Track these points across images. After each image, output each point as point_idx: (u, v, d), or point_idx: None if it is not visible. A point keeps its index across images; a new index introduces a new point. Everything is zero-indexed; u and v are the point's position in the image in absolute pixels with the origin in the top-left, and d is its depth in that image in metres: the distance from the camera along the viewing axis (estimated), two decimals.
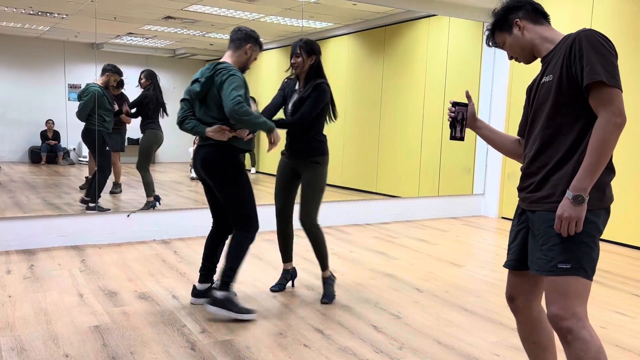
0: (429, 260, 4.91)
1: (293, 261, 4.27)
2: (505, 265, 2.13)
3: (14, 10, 7.50)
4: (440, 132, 7.41)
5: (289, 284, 4.00)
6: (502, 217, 7.15)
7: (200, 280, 3.55)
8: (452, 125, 2.24)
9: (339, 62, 8.59)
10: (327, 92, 3.57)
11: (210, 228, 3.58)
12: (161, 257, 4.64)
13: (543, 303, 2.25)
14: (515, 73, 6.84)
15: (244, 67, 3.42)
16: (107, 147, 5.81)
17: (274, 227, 4.76)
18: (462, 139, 2.25)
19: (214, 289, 3.37)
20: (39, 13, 7.68)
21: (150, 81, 6.23)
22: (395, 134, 8.02)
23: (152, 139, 6.12)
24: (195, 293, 3.54)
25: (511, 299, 2.14)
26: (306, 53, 3.56)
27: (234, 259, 3.30)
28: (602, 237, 5.71)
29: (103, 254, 4.71)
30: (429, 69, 7.56)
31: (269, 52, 9.04)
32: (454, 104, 2.23)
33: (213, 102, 3.27)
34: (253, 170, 9.58)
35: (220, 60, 3.34)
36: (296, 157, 3.66)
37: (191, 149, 9.28)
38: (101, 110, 5.76)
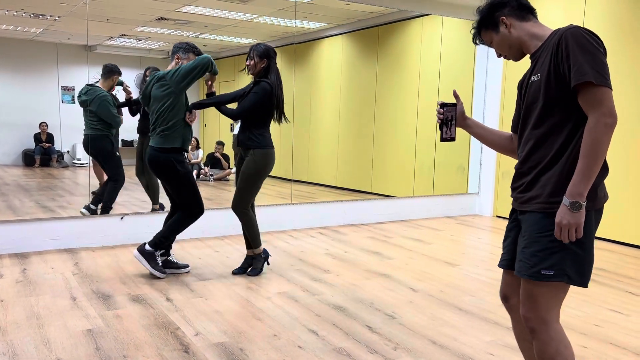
0: (423, 259, 4.91)
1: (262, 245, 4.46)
2: (499, 265, 2.13)
3: (6, 12, 7.46)
4: (435, 131, 7.41)
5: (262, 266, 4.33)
6: (497, 216, 7.15)
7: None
8: (442, 127, 2.21)
9: (333, 62, 8.58)
10: (267, 90, 3.95)
11: (170, 209, 4.35)
12: None
13: None
14: (509, 71, 6.85)
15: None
16: (117, 153, 5.58)
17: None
18: (453, 139, 2.22)
19: (147, 244, 4.07)
20: (32, 15, 7.64)
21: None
22: (389, 134, 8.01)
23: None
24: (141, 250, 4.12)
25: (505, 298, 2.14)
26: (258, 57, 3.99)
27: (170, 230, 4.10)
28: (596, 235, 5.71)
29: (96, 256, 4.68)
30: (422, 68, 7.57)
31: None
32: (442, 105, 2.19)
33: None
34: (235, 169, 9.57)
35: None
36: (239, 146, 4.15)
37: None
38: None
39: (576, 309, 3.65)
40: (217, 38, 8.75)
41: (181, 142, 4.01)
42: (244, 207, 4.14)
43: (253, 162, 4.04)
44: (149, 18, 7.72)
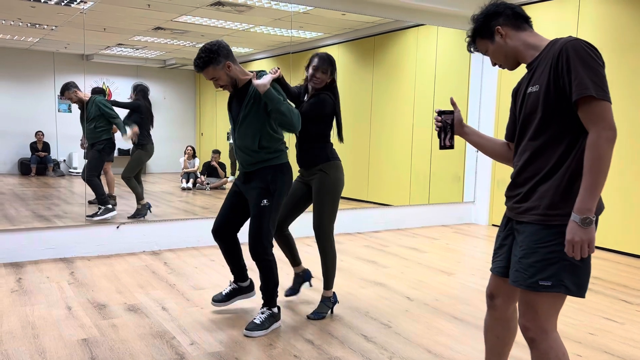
0: (419, 268, 4.92)
1: (303, 264, 4.11)
2: (493, 271, 2.14)
3: (3, 22, 7.49)
4: (430, 140, 7.45)
5: (306, 284, 3.99)
6: (493, 225, 7.18)
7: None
8: (440, 134, 2.21)
9: None
10: (328, 101, 3.49)
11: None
12: (151, 269, 4.62)
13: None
14: (503, 80, 6.89)
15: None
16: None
17: None
18: (451, 147, 2.22)
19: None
20: (29, 25, 7.67)
21: (137, 97, 6.30)
22: (385, 143, 8.04)
23: (148, 153, 6.27)
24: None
25: (491, 296, 2.17)
26: (331, 70, 3.53)
27: None
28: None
29: (92, 266, 4.68)
30: (418, 78, 7.61)
31: (259, 62, 9.06)
32: (440, 113, 2.20)
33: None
34: (231, 178, 9.58)
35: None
36: (302, 167, 3.65)
37: (182, 159, 9.27)
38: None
39: (571, 318, 3.67)
40: None
41: None
42: (329, 232, 3.57)
43: (329, 178, 3.52)
44: (145, 28, 7.76)
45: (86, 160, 6.09)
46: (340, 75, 3.86)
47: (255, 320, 3.28)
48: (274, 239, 3.48)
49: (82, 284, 4.14)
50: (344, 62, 8.44)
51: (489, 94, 7.06)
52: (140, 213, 6.05)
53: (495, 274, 2.13)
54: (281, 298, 3.92)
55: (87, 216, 5.65)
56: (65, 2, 6.43)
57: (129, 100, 6.39)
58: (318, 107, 3.48)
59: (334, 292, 3.67)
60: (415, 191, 7.64)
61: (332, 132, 3.69)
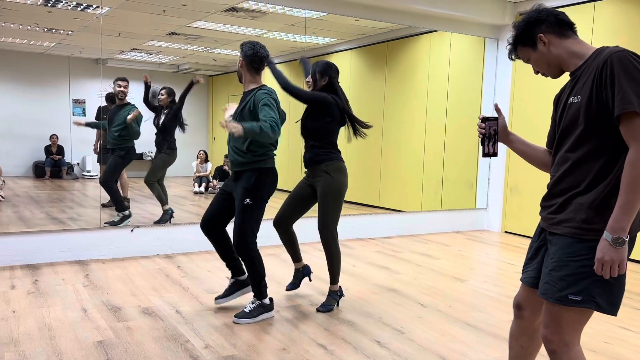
0: (432, 274, 4.91)
1: (303, 260, 4.31)
2: (523, 281, 2.09)
3: (20, 27, 7.59)
4: (443, 146, 7.44)
5: (305, 279, 4.18)
6: (506, 232, 7.14)
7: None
8: (484, 142, 2.14)
9: (342, 77, 8.58)
10: (326, 97, 3.73)
11: None
12: (164, 272, 4.65)
13: None
14: (517, 88, 6.87)
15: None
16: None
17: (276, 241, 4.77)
18: (495, 154, 2.14)
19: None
20: (45, 29, 7.77)
21: (171, 98, 6.32)
22: (397, 148, 8.04)
23: (172, 158, 6.27)
24: None
25: (519, 307, 2.12)
26: (320, 73, 3.83)
27: None
28: None
29: (107, 268, 4.72)
30: (430, 84, 7.61)
31: None
32: (484, 119, 2.13)
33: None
34: None
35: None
36: (307, 167, 3.85)
37: (194, 164, 9.32)
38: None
39: (586, 326, 3.64)
40: (227, 53, 8.84)
41: None
42: (333, 230, 3.80)
43: (333, 180, 3.73)
44: (160, 33, 7.82)
45: (104, 165, 6.14)
46: (353, 80, 4.04)
47: (245, 309, 3.56)
48: (278, 236, 3.91)
49: (97, 287, 4.18)
50: (357, 68, 8.46)
51: (502, 101, 7.04)
52: (164, 219, 6.04)
53: (525, 284, 2.08)
54: (292, 302, 3.93)
55: (106, 223, 5.65)
56: (81, 7, 6.51)
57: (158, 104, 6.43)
58: (312, 95, 3.71)
59: (339, 286, 3.92)
60: (427, 197, 7.62)
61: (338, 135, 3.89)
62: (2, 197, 7.49)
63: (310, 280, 4.21)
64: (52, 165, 9.33)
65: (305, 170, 3.91)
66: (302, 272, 4.09)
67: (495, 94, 7.13)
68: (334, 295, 3.87)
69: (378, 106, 8.26)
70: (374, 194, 8.26)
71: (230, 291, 3.79)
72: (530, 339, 2.13)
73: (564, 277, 1.82)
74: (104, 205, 6.61)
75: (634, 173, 1.69)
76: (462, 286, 4.56)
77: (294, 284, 4.09)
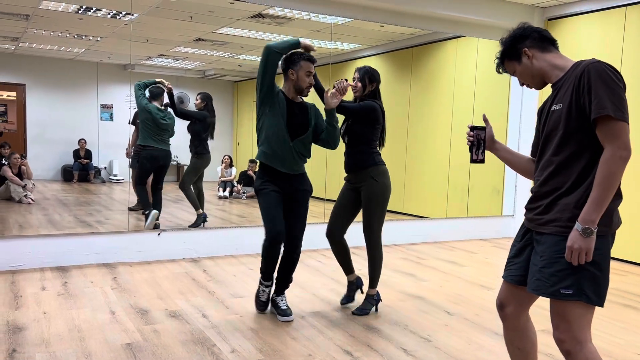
0: (458, 282, 4.86)
1: (355, 271, 4.20)
2: (506, 279, 2.20)
3: (51, 33, 7.75)
4: (469, 153, 7.36)
5: (358, 291, 4.12)
6: None
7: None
8: (472, 149, 2.32)
9: None
10: (375, 105, 3.78)
11: None
12: (191, 276, 4.69)
13: (530, 311, 2.30)
14: (544, 95, 6.78)
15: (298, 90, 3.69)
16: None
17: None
18: (482, 161, 2.33)
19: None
20: (75, 36, 7.92)
21: (205, 103, 6.42)
22: (423, 155, 7.99)
23: (202, 162, 6.34)
24: None
25: (501, 306, 2.23)
26: (368, 79, 3.87)
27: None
28: (617, 256, 5.57)
29: (134, 271, 4.77)
30: (456, 90, 7.55)
31: None
32: (472, 128, 2.31)
33: None
34: None
35: None
36: (349, 172, 3.89)
37: (219, 168, 9.39)
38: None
39: (616, 336, 3.57)
40: (252, 59, 8.90)
41: None
42: (378, 233, 3.85)
43: (378, 184, 3.79)
44: (187, 39, 7.92)
45: (133, 169, 6.23)
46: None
47: (283, 307, 3.73)
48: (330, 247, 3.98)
49: (125, 289, 4.23)
50: (382, 74, 8.37)
51: (529, 107, 6.95)
52: (196, 223, 6.11)
53: (508, 282, 2.19)
54: (317, 308, 3.93)
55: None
56: (111, 14, 6.62)
57: (195, 110, 6.51)
58: (363, 107, 3.74)
59: (377, 291, 3.90)
60: (453, 204, 7.56)
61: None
62: (32, 200, 7.64)
63: (362, 292, 4.07)
64: (80, 169, 9.49)
65: (346, 176, 3.92)
66: (356, 284, 4.06)
67: (522, 101, 7.04)
68: (371, 300, 3.88)
69: (403, 112, 8.23)
70: (399, 200, 8.22)
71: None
72: (523, 338, 2.22)
73: (555, 273, 1.93)
74: (131, 209, 6.70)
75: (606, 171, 1.84)
76: (488, 294, 4.50)
77: (349, 297, 4.04)
